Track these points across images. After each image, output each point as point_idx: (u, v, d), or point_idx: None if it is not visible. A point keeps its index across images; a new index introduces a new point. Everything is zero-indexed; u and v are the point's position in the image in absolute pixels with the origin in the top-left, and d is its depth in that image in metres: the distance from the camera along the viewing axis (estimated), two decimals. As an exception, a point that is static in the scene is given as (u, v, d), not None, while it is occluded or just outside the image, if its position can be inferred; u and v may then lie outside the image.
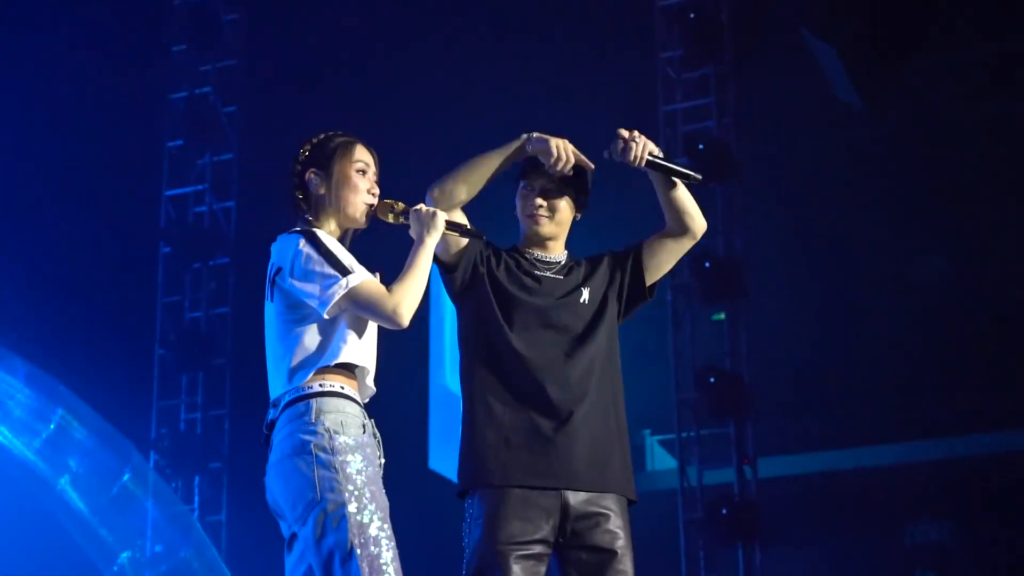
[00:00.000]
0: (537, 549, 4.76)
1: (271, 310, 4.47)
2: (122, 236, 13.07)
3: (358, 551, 4.14)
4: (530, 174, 5.09)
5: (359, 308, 4.34)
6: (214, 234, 13.31)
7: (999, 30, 14.71)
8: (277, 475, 4.33)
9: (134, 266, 13.23)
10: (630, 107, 13.58)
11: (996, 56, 14.95)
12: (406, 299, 4.35)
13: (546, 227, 5.10)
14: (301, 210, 4.57)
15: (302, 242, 4.37)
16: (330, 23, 13.52)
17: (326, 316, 4.32)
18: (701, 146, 12.86)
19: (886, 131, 15.03)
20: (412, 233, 4.59)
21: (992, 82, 15.17)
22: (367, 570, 4.13)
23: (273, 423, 4.40)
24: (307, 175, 4.56)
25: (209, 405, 13.07)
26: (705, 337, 13.13)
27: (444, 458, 13.68)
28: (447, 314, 14.60)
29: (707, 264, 12.83)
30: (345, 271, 4.31)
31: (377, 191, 4.62)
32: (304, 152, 4.59)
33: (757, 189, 13.64)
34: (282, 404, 4.36)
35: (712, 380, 12.76)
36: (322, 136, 4.62)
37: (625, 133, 4.97)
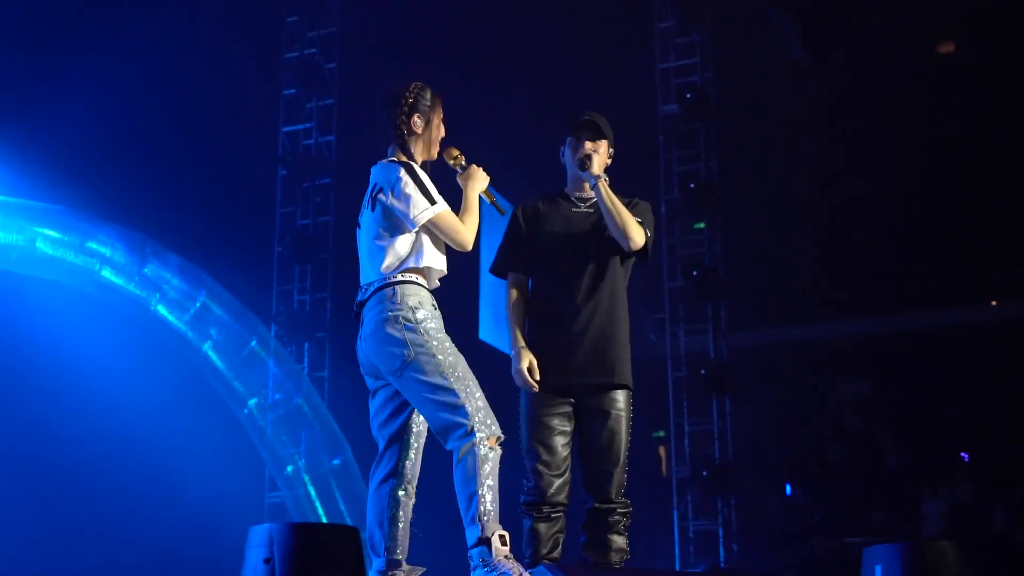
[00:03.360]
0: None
1: (370, 218, 4.48)
2: (250, 163, 13.02)
3: (455, 384, 4.25)
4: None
5: (439, 231, 4.42)
6: (319, 161, 13.16)
7: (914, 4, 14.66)
8: (375, 341, 4.36)
9: (260, 185, 13.16)
10: (633, 66, 13.52)
11: (913, 24, 14.91)
12: (471, 231, 4.48)
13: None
14: (403, 140, 4.54)
15: (403, 171, 4.40)
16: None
17: (413, 230, 4.40)
18: (688, 95, 12.76)
19: (828, 82, 15.00)
20: (460, 179, 4.65)
21: (910, 44, 15.15)
22: (464, 395, 4.24)
23: (363, 303, 4.44)
24: (414, 117, 4.54)
25: (315, 289, 12.99)
26: (690, 240, 13.02)
27: (491, 330, 13.68)
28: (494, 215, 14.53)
29: (692, 184, 12.76)
30: (433, 200, 4.39)
31: (444, 133, 4.68)
32: (410, 97, 4.55)
33: (731, 127, 13.57)
34: (372, 288, 4.41)
35: (695, 272, 12.74)
36: (419, 86, 4.61)
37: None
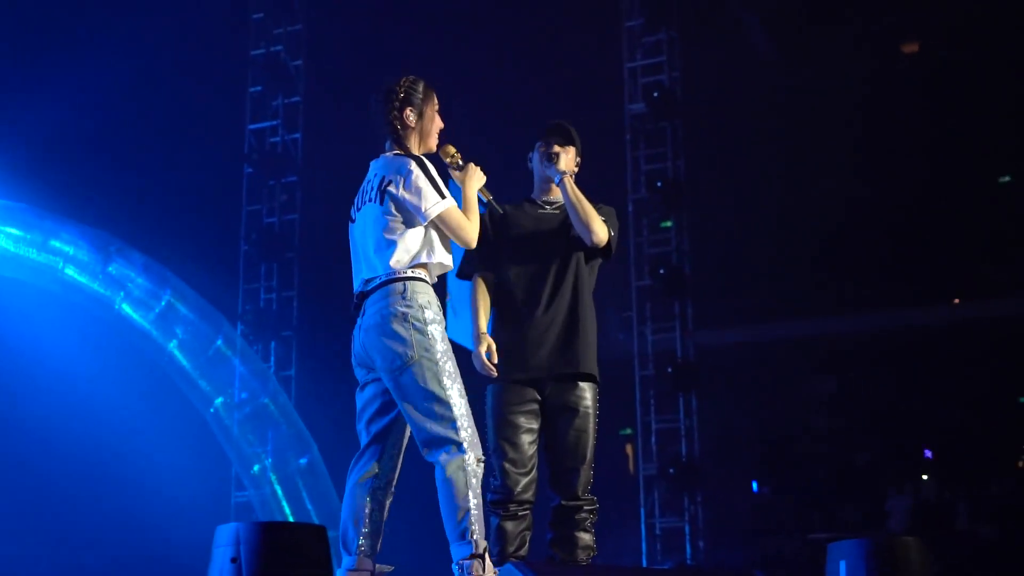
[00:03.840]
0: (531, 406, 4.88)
1: (377, 210, 4.40)
2: (216, 160, 12.96)
3: (451, 397, 4.19)
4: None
5: (446, 226, 4.36)
6: (285, 158, 13.11)
7: (883, 8, 14.78)
8: (378, 334, 4.27)
9: (225, 183, 13.10)
10: (601, 64, 13.56)
11: (881, 23, 15.04)
12: (475, 228, 4.44)
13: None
14: (397, 134, 4.49)
15: (413, 164, 4.35)
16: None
17: (423, 224, 4.34)
18: (656, 93, 12.77)
19: (796, 81, 15.08)
20: (456, 176, 4.62)
21: (878, 43, 15.26)
22: (457, 409, 4.20)
23: (367, 294, 4.36)
24: (406, 111, 4.48)
25: (282, 288, 12.96)
26: (657, 238, 13.06)
27: (457, 330, 13.72)
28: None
29: (659, 183, 12.78)
30: (443, 195, 4.33)
31: (442, 125, 4.61)
32: (400, 91, 4.50)
33: (697, 126, 13.61)
34: (378, 281, 4.33)
35: (662, 271, 12.79)
36: (411, 80, 4.55)
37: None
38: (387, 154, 4.51)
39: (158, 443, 11.52)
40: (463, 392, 4.27)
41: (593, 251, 4.97)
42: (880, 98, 15.73)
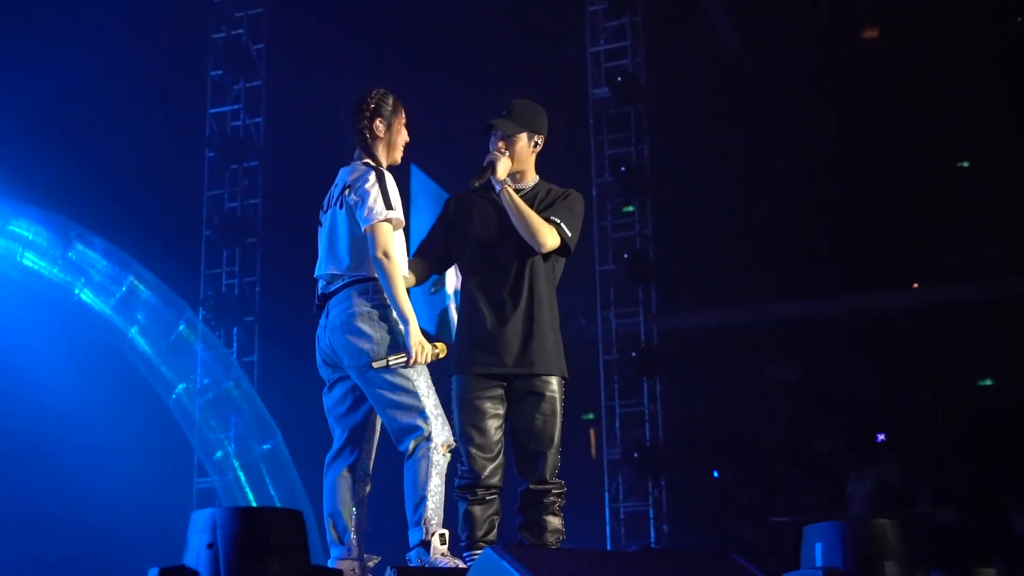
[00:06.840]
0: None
1: (340, 216, 4.52)
2: (177, 144, 12.89)
3: (417, 386, 4.40)
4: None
5: (375, 238, 4.39)
6: (247, 142, 13.06)
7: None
8: (344, 333, 4.42)
9: (187, 167, 13.02)
10: (565, 48, 13.57)
11: (841, 10, 15.16)
12: (398, 268, 4.43)
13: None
14: (366, 143, 4.60)
15: (372, 174, 4.47)
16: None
17: (363, 231, 4.39)
18: (619, 78, 12.80)
19: (758, 66, 15.13)
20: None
21: (838, 30, 15.39)
22: (424, 398, 4.40)
23: (331, 295, 4.50)
24: (376, 122, 4.60)
25: (244, 273, 12.93)
26: (620, 223, 13.09)
27: (421, 315, 13.70)
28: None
29: (623, 168, 12.82)
30: (390, 207, 4.41)
31: (408, 138, 4.72)
32: (371, 104, 4.62)
33: (660, 112, 13.64)
34: (343, 282, 4.47)
35: (625, 256, 12.84)
36: (381, 92, 4.66)
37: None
38: (355, 162, 4.63)
39: (119, 429, 11.46)
40: (430, 384, 4.44)
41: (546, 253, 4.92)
42: (841, 85, 15.82)
